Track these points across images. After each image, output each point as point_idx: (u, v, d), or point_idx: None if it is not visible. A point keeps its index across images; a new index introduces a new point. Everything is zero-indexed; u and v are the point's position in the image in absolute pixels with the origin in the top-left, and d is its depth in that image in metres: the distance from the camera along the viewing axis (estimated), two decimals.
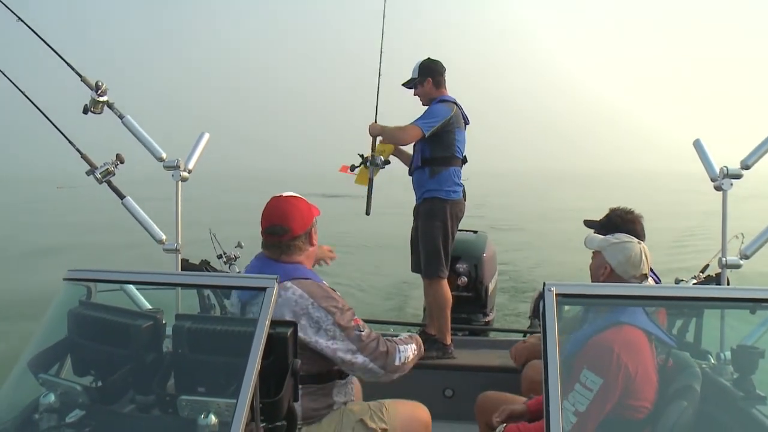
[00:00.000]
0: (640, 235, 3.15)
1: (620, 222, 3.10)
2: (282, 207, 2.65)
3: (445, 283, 4.28)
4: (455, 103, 4.24)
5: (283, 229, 2.59)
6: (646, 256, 2.68)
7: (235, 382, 1.79)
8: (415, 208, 4.36)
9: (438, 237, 4.13)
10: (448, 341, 4.30)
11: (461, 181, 4.30)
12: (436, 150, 4.18)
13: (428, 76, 4.30)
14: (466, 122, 4.32)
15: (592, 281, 2.77)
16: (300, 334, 2.33)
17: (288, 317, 2.43)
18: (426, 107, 4.30)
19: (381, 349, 2.55)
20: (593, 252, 2.81)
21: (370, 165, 4.41)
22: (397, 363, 2.60)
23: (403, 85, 4.43)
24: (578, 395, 2.31)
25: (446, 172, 4.17)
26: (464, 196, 4.34)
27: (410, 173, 4.37)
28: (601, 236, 2.81)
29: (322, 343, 2.46)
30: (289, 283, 2.50)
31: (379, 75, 4.72)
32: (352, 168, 4.49)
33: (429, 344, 4.29)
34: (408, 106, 4.37)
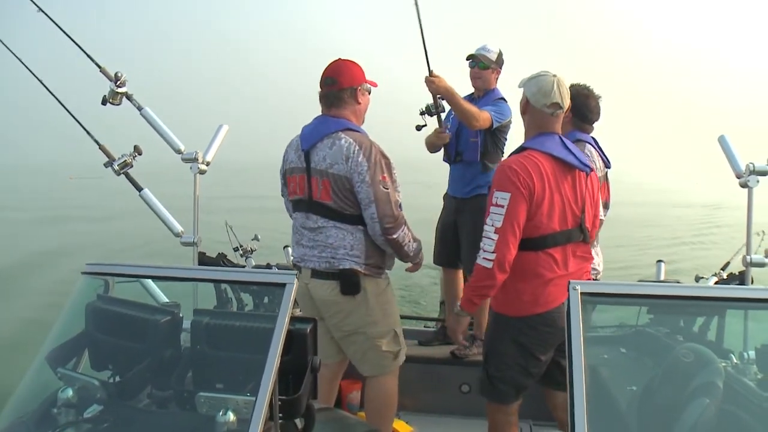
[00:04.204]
0: (593, 111, 3.32)
1: (575, 95, 3.19)
2: (336, 63, 3.10)
3: None
4: None
5: (332, 80, 3.05)
6: (559, 87, 2.80)
7: (253, 379, 1.77)
8: (454, 200, 4.19)
9: None
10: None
11: None
12: (492, 146, 4.07)
13: (500, 68, 4.18)
14: None
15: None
16: (343, 172, 2.93)
17: (340, 161, 2.94)
18: (476, 89, 4.16)
19: (392, 212, 2.98)
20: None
21: (437, 112, 4.05)
22: (395, 236, 3.01)
23: (469, 56, 4.14)
24: (494, 215, 2.71)
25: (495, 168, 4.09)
26: None
27: (451, 162, 4.20)
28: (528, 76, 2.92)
29: (355, 182, 2.94)
30: (342, 134, 2.99)
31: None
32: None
33: (468, 340, 4.23)
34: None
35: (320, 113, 3.14)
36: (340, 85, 3.04)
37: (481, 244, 2.76)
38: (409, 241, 3.11)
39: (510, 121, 4.02)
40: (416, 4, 3.74)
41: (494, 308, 2.95)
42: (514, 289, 2.80)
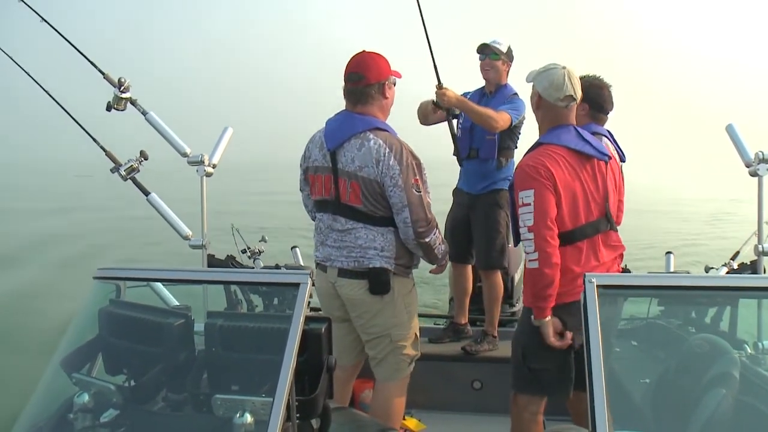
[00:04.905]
0: (607, 101, 3.31)
1: (588, 87, 3.12)
2: (361, 57, 2.96)
3: (500, 274, 4.22)
4: None
5: (358, 76, 2.90)
6: (570, 78, 2.76)
7: (269, 380, 1.76)
8: (467, 195, 4.17)
9: (504, 228, 4.06)
10: (496, 333, 4.24)
11: None
12: (508, 142, 4.04)
13: (511, 62, 4.13)
14: None
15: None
16: (373, 176, 2.82)
17: (370, 164, 2.81)
18: (488, 83, 4.11)
19: (425, 216, 2.88)
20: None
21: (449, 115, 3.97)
22: (427, 240, 2.92)
23: (480, 46, 4.08)
24: (523, 215, 2.66)
25: (510, 162, 4.08)
26: None
27: (464, 158, 4.11)
28: (536, 70, 2.87)
29: (387, 186, 2.83)
30: (370, 134, 2.86)
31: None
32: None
33: (477, 336, 4.23)
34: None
35: (344, 108, 3.00)
36: (368, 81, 2.89)
37: (523, 248, 2.71)
38: (440, 244, 3.02)
39: (524, 117, 3.99)
40: (423, 20, 3.64)
41: (527, 304, 2.86)
42: None
